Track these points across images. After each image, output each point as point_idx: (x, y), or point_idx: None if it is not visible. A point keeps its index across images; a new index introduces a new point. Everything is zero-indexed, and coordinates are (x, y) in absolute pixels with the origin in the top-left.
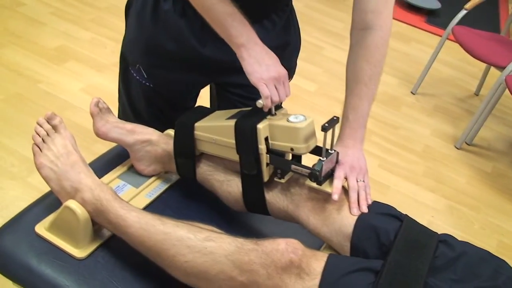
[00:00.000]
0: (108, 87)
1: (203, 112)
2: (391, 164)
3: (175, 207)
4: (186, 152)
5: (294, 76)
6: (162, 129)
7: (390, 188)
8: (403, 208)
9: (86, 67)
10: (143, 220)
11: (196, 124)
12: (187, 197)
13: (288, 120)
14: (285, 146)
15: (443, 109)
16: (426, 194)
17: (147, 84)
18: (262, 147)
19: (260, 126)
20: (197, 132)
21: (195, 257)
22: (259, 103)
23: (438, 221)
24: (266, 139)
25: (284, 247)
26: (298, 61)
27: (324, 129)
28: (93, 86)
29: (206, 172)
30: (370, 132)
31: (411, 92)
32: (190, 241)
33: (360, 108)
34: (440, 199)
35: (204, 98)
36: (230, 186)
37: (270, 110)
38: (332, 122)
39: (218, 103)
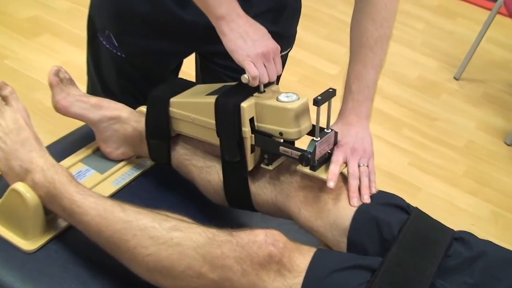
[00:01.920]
0: None
1: (182, 86)
2: (425, 162)
3: (146, 197)
4: (160, 133)
5: (311, 56)
6: (135, 107)
7: (422, 190)
8: (437, 214)
9: (63, 42)
10: (101, 206)
11: (172, 100)
12: (160, 186)
13: (277, 99)
14: (273, 129)
15: (492, 97)
16: (466, 198)
17: (118, 53)
18: (246, 129)
19: (244, 105)
20: (172, 109)
21: (159, 250)
22: (245, 77)
23: (479, 230)
24: (252, 120)
25: (263, 239)
26: (317, 39)
27: (317, 102)
28: (70, 63)
29: (183, 156)
30: (401, 123)
31: (454, 78)
32: (154, 231)
33: (364, 76)
34: (483, 204)
35: (187, 71)
36: (209, 173)
37: (258, 86)
38: (327, 94)
39: (202, 76)
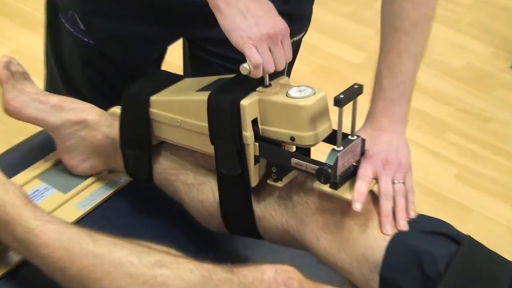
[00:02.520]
0: None
1: (166, 80)
2: (476, 175)
3: (121, 223)
4: (138, 140)
5: (330, 41)
6: (106, 107)
7: (473, 212)
8: (493, 243)
9: (14, 25)
10: (65, 236)
11: (153, 98)
12: (139, 208)
13: (288, 95)
14: (283, 133)
15: None
16: None
17: (85, 39)
18: (248, 134)
19: (245, 102)
20: (154, 110)
21: None
22: (244, 67)
23: None
24: (255, 122)
25: (272, 277)
26: (337, 19)
27: (338, 102)
28: (23, 52)
29: (168, 170)
30: (444, 126)
31: (511, 67)
32: (133, 268)
33: (399, 68)
34: None
35: (173, 62)
36: (202, 192)
37: (261, 78)
38: (352, 91)
39: (191, 68)
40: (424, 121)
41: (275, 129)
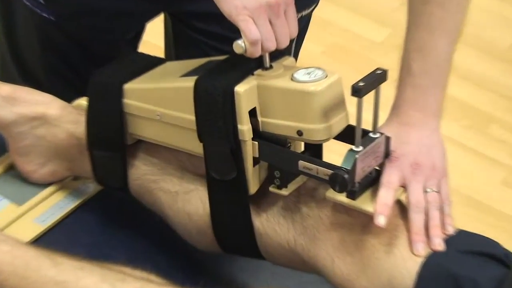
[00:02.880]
0: None
1: (142, 65)
2: None
3: (89, 243)
4: (110, 139)
5: (345, 14)
6: (70, 99)
7: None
8: None
9: None
10: (21, 260)
11: (127, 87)
12: (111, 225)
13: (293, 78)
14: (288, 127)
15: None
16: None
17: (44, 15)
18: (245, 128)
19: (240, 88)
20: (128, 101)
21: None
22: (239, 44)
23: None
24: (253, 113)
25: None
26: None
27: (358, 91)
28: None
29: (146, 176)
30: (488, 118)
31: None
32: None
33: (432, 49)
34: None
35: (152, 41)
36: (189, 202)
37: (260, 58)
38: (374, 78)
39: (175, 49)
40: (463, 113)
41: (278, 122)
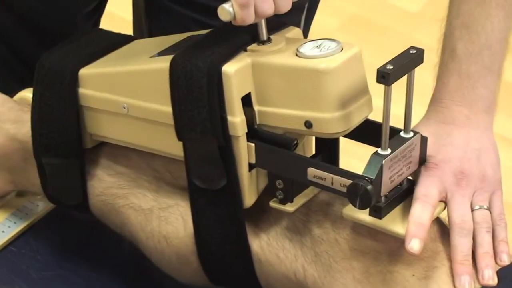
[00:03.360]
0: None
1: (104, 44)
2: None
3: (38, 278)
4: (63, 143)
5: None
6: (12, 92)
7: None
8: None
9: None
10: None
11: (84, 72)
12: (67, 253)
13: (298, 54)
14: (293, 117)
15: None
16: None
17: None
18: (238, 120)
19: (230, 68)
20: (86, 91)
21: None
22: (226, 10)
23: None
24: (247, 100)
25: None
26: None
27: (385, 77)
28: None
29: (111, 190)
30: None
31: None
32: None
33: (483, 24)
34: None
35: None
36: (167, 222)
37: (255, 28)
38: (406, 60)
39: (147, 23)
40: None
41: (279, 111)
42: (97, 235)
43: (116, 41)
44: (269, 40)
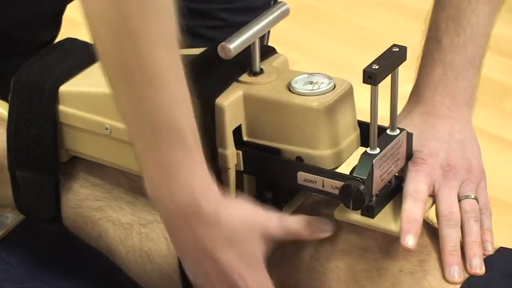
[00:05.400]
0: None
1: (85, 56)
2: None
3: None
4: (39, 157)
5: None
6: None
7: None
8: None
9: None
10: None
11: (64, 89)
12: (38, 268)
13: (291, 89)
14: (284, 151)
15: None
16: None
17: None
18: (229, 152)
19: (223, 101)
20: (66, 109)
21: None
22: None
23: None
24: (238, 132)
25: None
26: None
27: (372, 77)
28: None
29: (87, 202)
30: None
31: None
32: None
33: (470, 17)
34: None
35: None
36: (148, 238)
37: (246, 59)
38: (390, 57)
39: None
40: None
41: (271, 145)
42: (71, 245)
43: (93, 53)
44: (261, 71)
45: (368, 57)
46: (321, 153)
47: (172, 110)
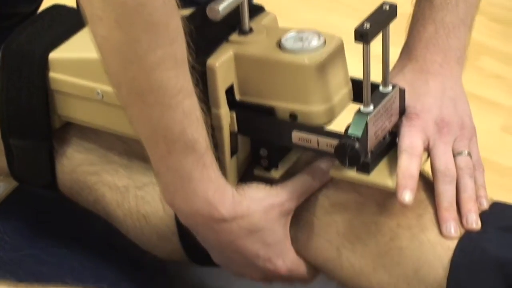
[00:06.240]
0: None
1: (75, 22)
2: None
3: (8, 260)
4: (32, 124)
5: None
6: None
7: None
8: None
9: None
10: None
11: (54, 56)
12: (35, 233)
13: (281, 47)
14: (278, 108)
15: None
16: None
17: None
18: (222, 111)
19: (214, 61)
20: (57, 76)
21: None
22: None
23: None
24: (230, 92)
25: None
26: None
27: (364, 36)
28: None
29: (82, 167)
30: (478, 48)
31: None
32: None
33: None
34: None
35: None
36: (144, 200)
37: (235, 18)
38: (381, 15)
39: None
40: None
41: (263, 102)
42: (66, 211)
43: (81, 19)
44: (251, 30)
45: (351, 22)
46: (314, 108)
47: (184, 123)
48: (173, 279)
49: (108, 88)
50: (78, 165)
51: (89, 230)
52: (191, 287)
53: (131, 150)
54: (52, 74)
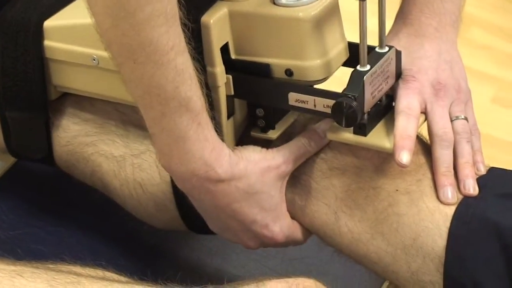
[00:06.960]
0: None
1: None
2: None
3: (6, 238)
4: (27, 95)
5: None
6: None
7: None
8: None
9: None
10: None
11: (49, 24)
12: (33, 210)
13: (275, 2)
14: (273, 65)
15: None
16: None
17: None
18: (218, 70)
19: (208, 18)
20: (52, 44)
21: None
22: None
23: None
24: (225, 50)
25: None
26: None
27: None
28: None
29: (78, 138)
30: (468, 19)
31: None
32: None
33: None
34: None
35: None
36: (141, 168)
37: None
38: None
39: None
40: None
41: (259, 60)
42: (63, 190)
43: None
44: None
45: None
46: (310, 63)
47: (177, 81)
48: (170, 254)
49: (103, 53)
50: (74, 136)
51: (86, 208)
52: (188, 262)
53: (127, 120)
54: (47, 42)
